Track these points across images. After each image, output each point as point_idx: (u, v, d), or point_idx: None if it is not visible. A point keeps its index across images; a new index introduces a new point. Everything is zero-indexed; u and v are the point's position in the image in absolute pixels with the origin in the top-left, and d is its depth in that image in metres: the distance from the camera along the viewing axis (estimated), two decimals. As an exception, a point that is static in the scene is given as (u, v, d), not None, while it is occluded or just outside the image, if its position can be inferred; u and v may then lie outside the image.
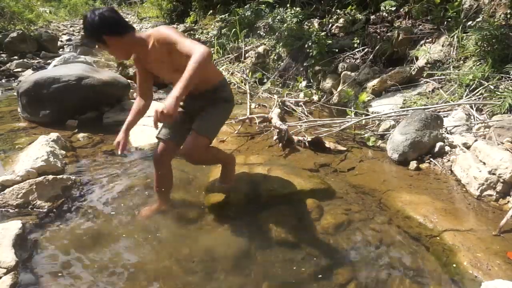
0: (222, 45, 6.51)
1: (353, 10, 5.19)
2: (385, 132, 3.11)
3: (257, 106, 4.22)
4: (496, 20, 3.56)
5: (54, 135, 2.78)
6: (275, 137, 3.05)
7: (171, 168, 2.10)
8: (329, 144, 2.94)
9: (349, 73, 4.40)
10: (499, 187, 2.07)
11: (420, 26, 4.33)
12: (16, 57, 7.33)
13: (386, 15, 4.72)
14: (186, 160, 1.90)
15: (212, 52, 1.49)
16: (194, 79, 1.52)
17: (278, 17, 5.91)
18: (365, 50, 4.61)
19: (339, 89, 4.40)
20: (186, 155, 1.87)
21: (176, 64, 1.76)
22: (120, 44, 1.77)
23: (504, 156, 2.07)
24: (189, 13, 10.33)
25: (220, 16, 7.67)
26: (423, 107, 3.19)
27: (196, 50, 1.55)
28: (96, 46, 1.77)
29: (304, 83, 4.82)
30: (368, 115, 3.47)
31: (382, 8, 4.68)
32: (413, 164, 2.56)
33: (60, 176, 2.23)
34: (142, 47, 1.80)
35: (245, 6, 6.95)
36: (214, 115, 1.95)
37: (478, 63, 3.41)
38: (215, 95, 1.97)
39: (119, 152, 2.00)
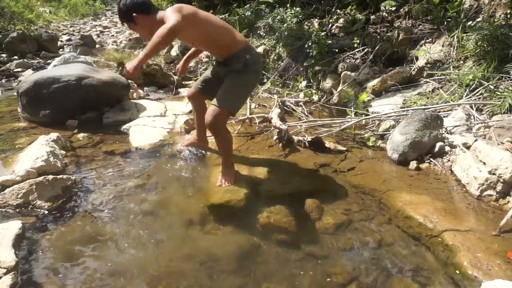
0: (222, 45, 6.50)
1: (353, 10, 5.19)
2: (385, 132, 3.11)
3: (257, 106, 4.22)
4: (496, 20, 3.56)
5: (54, 135, 2.78)
6: (275, 137, 3.05)
7: (203, 107, 2.55)
8: (329, 144, 2.94)
9: (349, 73, 4.40)
10: (499, 187, 2.07)
11: (420, 26, 4.33)
12: (16, 57, 7.34)
13: (386, 15, 4.72)
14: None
15: (178, 29, 1.88)
16: (155, 49, 1.87)
17: (278, 17, 5.91)
18: (365, 50, 4.61)
19: (339, 89, 4.40)
20: (205, 121, 2.14)
21: (189, 37, 2.17)
22: (147, 22, 2.08)
23: (504, 156, 2.07)
24: (189, 13, 10.32)
25: (220, 16, 7.67)
26: (423, 107, 3.19)
27: (166, 23, 1.86)
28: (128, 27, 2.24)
29: (304, 83, 4.82)
30: (368, 115, 3.47)
31: (382, 8, 4.68)
32: (413, 164, 2.56)
33: (60, 176, 2.23)
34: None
35: (245, 6, 6.95)
36: (233, 87, 2.17)
37: (478, 63, 3.41)
38: (237, 63, 2.16)
39: (177, 76, 2.86)
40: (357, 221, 2.00)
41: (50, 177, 2.17)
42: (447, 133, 2.85)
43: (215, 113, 2.09)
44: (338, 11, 5.33)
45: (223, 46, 2.15)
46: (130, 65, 1.89)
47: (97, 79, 3.64)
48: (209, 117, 2.10)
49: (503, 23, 3.51)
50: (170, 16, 1.89)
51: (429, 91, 3.66)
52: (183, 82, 5.68)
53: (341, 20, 5.12)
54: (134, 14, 2.05)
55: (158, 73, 5.17)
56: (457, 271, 1.58)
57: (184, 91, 4.85)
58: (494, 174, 2.08)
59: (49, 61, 7.03)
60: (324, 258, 1.72)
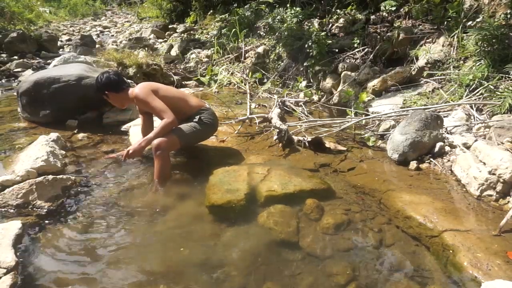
0: (222, 45, 6.51)
1: (353, 10, 5.19)
2: (385, 132, 3.11)
3: (257, 106, 4.22)
4: (496, 20, 3.56)
5: (54, 135, 2.78)
6: (275, 137, 3.05)
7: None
8: (329, 144, 2.94)
9: (349, 73, 4.39)
10: (499, 187, 2.07)
11: (420, 26, 4.33)
12: (16, 57, 7.34)
13: (386, 15, 4.72)
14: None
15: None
16: (159, 137, 2.33)
17: (278, 17, 5.91)
18: (365, 50, 4.61)
19: (339, 89, 4.40)
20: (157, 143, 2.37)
21: (152, 112, 2.55)
22: (117, 98, 2.54)
23: (504, 156, 2.07)
24: (189, 13, 10.35)
25: (220, 16, 7.69)
26: (423, 107, 3.18)
27: (163, 119, 2.35)
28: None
29: (304, 83, 4.82)
30: (368, 115, 3.47)
31: (382, 8, 4.68)
32: (413, 164, 2.56)
33: (60, 176, 2.24)
34: (132, 100, 2.52)
35: (245, 6, 6.95)
36: (184, 125, 2.54)
37: (478, 63, 3.41)
38: (193, 119, 2.60)
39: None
40: (357, 221, 1.99)
41: (50, 177, 2.17)
42: (447, 133, 2.85)
43: (170, 140, 2.38)
44: (338, 11, 5.33)
45: (180, 113, 2.54)
46: (133, 148, 2.32)
47: (97, 79, 3.63)
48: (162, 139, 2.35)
49: (503, 23, 3.51)
50: (158, 105, 2.36)
51: (429, 91, 3.66)
52: (183, 82, 5.69)
53: (341, 20, 5.12)
54: (106, 92, 2.49)
55: (158, 73, 5.17)
56: (457, 271, 1.58)
57: (184, 91, 4.84)
58: (494, 174, 2.08)
59: (49, 61, 7.03)
60: (324, 258, 1.72)
